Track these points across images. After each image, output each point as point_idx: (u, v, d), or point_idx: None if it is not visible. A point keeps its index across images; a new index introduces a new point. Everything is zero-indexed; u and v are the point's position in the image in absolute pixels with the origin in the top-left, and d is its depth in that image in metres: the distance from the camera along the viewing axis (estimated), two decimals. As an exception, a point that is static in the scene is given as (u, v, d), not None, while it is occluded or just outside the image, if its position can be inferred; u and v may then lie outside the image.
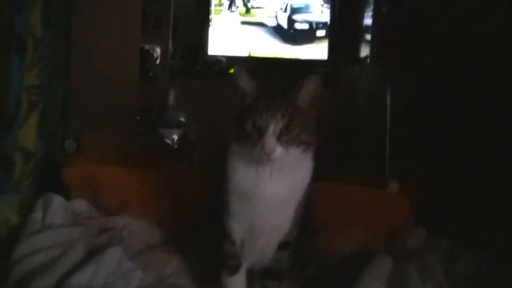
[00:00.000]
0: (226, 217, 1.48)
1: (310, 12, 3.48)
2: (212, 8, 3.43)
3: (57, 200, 1.92)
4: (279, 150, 1.33)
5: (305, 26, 3.47)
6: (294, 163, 1.39)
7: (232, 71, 3.22)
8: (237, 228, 1.48)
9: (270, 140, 1.32)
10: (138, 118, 2.67)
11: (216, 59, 3.27)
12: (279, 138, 1.33)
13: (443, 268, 1.71)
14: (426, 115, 2.48)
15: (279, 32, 3.49)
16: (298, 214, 1.46)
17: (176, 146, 2.49)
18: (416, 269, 1.65)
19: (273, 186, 1.40)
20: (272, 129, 1.33)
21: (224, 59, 3.27)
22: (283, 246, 1.51)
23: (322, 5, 3.45)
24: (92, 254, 1.63)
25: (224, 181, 1.45)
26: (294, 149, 1.35)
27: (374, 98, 2.78)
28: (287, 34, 3.47)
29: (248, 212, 1.44)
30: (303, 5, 3.49)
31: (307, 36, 3.46)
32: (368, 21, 3.25)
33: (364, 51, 3.27)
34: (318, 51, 3.42)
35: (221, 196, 1.47)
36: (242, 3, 3.52)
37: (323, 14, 3.42)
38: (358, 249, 1.90)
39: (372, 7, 3.16)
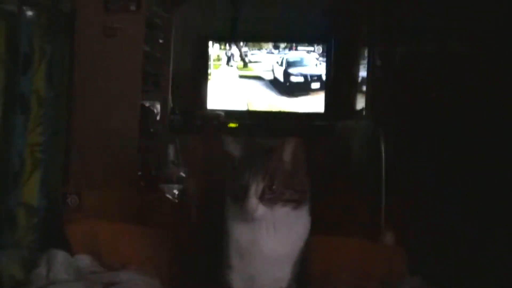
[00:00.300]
0: (227, 271, 1.51)
1: (305, 66, 3.56)
2: (211, 63, 3.51)
3: (61, 256, 1.94)
4: (261, 209, 1.38)
5: (301, 79, 3.55)
6: (286, 220, 1.44)
7: (231, 125, 3.29)
8: (238, 282, 1.51)
9: (252, 200, 1.38)
10: (139, 173, 2.71)
11: (215, 114, 3.33)
12: (261, 198, 1.38)
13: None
14: (421, 165, 2.52)
15: (276, 85, 3.56)
16: (296, 267, 1.49)
17: (177, 201, 2.52)
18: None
19: (271, 242, 1.44)
20: (254, 190, 1.38)
21: (222, 114, 3.33)
22: None
23: (317, 59, 3.53)
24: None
25: (224, 237, 1.50)
26: (280, 207, 1.40)
27: (369, 150, 2.82)
28: (284, 87, 3.54)
29: (248, 267, 1.47)
30: (298, 59, 3.58)
31: (302, 89, 3.53)
32: (363, 74, 3.32)
33: (360, 104, 3.33)
34: (314, 104, 3.48)
35: (221, 251, 1.51)
36: (239, 58, 3.60)
37: (317, 67, 3.50)
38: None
39: (367, 61, 3.23)
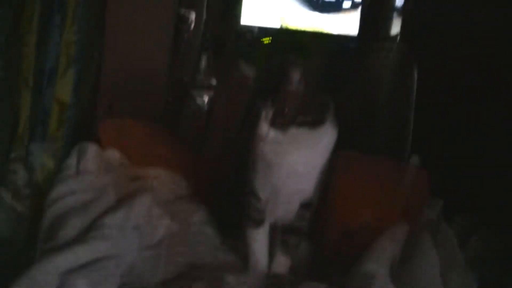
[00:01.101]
0: (253, 176, 1.55)
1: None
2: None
3: (92, 149, 1.99)
4: (272, 133, 1.42)
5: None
6: (305, 139, 1.46)
7: (264, 40, 3.27)
8: (263, 188, 1.55)
9: (262, 125, 1.43)
10: (172, 81, 2.72)
11: (248, 29, 3.30)
12: (272, 122, 1.41)
13: (458, 238, 1.77)
14: (451, 98, 2.50)
15: (309, 2, 3.52)
16: (320, 179, 1.52)
17: (206, 108, 2.54)
18: (430, 236, 1.70)
19: (292, 157, 1.47)
20: (264, 114, 1.41)
21: (256, 29, 3.30)
22: (305, 206, 1.57)
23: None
24: (123, 200, 1.71)
25: (253, 143, 1.52)
26: (296, 129, 1.43)
27: (401, 75, 2.80)
28: (316, 4, 3.50)
29: (272, 177, 1.51)
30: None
31: (334, 7, 3.50)
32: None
33: (395, 29, 3.29)
34: (348, 25, 3.45)
35: (249, 155, 1.55)
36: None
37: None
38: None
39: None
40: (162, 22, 2.70)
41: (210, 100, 2.57)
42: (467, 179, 2.16)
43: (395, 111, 2.71)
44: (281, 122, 1.42)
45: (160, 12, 2.69)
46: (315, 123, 1.46)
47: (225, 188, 1.80)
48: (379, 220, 1.91)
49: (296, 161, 1.47)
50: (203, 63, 2.79)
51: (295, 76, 1.44)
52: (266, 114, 1.41)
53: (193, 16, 2.91)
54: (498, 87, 2.30)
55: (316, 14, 3.47)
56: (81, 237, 1.43)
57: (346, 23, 3.45)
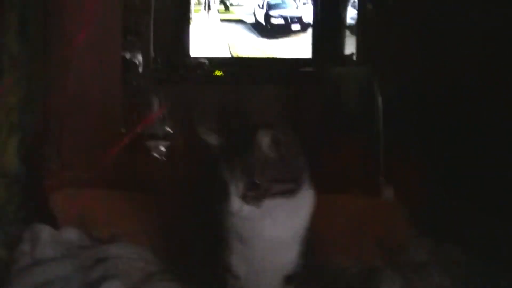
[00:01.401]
0: (228, 253, 1.40)
1: (286, 8, 3.46)
2: (192, 7, 3.37)
3: (46, 231, 1.84)
4: (246, 209, 1.26)
5: (281, 21, 3.44)
6: (282, 209, 1.31)
7: (217, 73, 3.15)
8: (240, 265, 1.40)
9: (233, 200, 1.26)
10: (123, 131, 2.58)
11: (198, 62, 3.19)
12: (244, 196, 1.26)
13: (452, 278, 1.68)
14: (419, 113, 2.43)
15: (257, 28, 3.45)
16: (303, 247, 1.39)
17: (164, 159, 2.42)
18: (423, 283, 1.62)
19: (269, 230, 1.32)
20: (234, 188, 1.26)
21: (206, 61, 3.19)
22: (289, 279, 1.42)
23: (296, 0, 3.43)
24: (89, 288, 1.55)
25: (224, 219, 1.37)
26: (271, 200, 1.28)
27: (362, 98, 2.72)
28: (265, 29, 3.43)
29: (249, 254, 1.37)
30: (279, 1, 3.48)
31: (283, 31, 3.43)
32: (353, 16, 3.20)
33: (349, 49, 3.21)
34: (301, 48, 3.38)
35: (221, 231, 1.39)
36: (220, 0, 3.47)
37: (298, 9, 3.40)
38: (361, 266, 1.84)
39: (357, 2, 3.11)
40: (109, 67, 2.55)
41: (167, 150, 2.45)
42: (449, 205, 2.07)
43: (360, 136, 2.63)
44: (253, 196, 1.26)
45: (106, 58, 2.54)
46: (291, 190, 1.30)
47: (199, 263, 1.64)
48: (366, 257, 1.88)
49: (274, 235, 1.32)
50: (155, 108, 2.65)
51: (265, 140, 1.29)
52: (236, 187, 1.26)
53: (140, 58, 2.78)
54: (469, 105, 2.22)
55: (266, 40, 3.40)
56: None
57: (297, 47, 3.38)
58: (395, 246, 1.95)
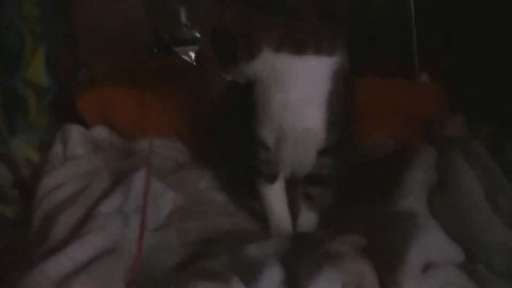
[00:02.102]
0: (255, 123, 1.37)
1: None
2: None
3: (76, 130, 1.83)
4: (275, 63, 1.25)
5: None
6: (305, 65, 1.26)
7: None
8: (269, 134, 1.36)
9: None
10: (151, 39, 2.56)
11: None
12: (278, 46, 1.24)
13: (490, 151, 1.58)
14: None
15: None
16: (330, 117, 1.32)
17: (194, 63, 2.38)
18: (462, 155, 1.53)
19: (291, 88, 1.28)
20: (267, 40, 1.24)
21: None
22: (323, 152, 1.38)
23: None
24: (119, 181, 1.53)
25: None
26: (296, 57, 1.25)
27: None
28: None
29: (273, 116, 1.32)
30: None
31: None
32: None
33: None
34: None
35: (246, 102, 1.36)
36: None
37: None
38: (395, 141, 1.83)
39: None
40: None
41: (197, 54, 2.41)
42: (486, 87, 1.98)
43: (396, 24, 2.54)
44: (292, 44, 1.23)
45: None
46: (320, 50, 1.25)
47: (230, 146, 1.61)
48: (401, 133, 1.87)
49: (294, 96, 1.28)
50: (182, 15, 2.62)
51: None
52: (271, 36, 1.22)
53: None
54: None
55: None
56: (76, 234, 1.24)
57: None
58: (431, 124, 1.90)
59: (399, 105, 1.94)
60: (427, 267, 1.08)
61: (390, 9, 2.63)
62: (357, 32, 2.51)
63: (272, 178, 1.42)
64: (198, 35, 2.50)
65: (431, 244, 1.12)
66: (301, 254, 1.14)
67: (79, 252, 1.16)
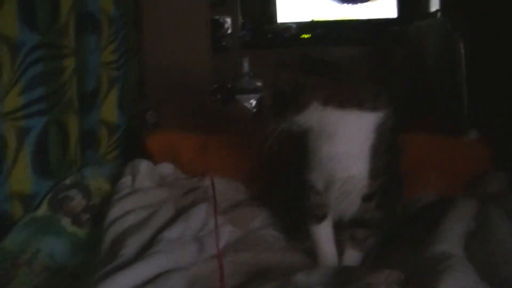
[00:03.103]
0: (306, 169, 1.52)
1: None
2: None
3: (145, 164, 1.99)
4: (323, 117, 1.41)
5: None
6: (353, 121, 1.42)
7: (303, 36, 3.23)
8: (318, 179, 1.50)
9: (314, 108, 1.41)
10: (215, 86, 2.72)
11: (285, 26, 3.28)
12: (327, 99, 1.40)
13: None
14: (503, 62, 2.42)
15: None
16: (373, 167, 1.46)
17: (254, 110, 2.52)
18: (500, 209, 1.63)
19: (334, 144, 1.43)
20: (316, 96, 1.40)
21: (293, 25, 3.27)
22: (366, 198, 1.51)
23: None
24: (181, 212, 1.69)
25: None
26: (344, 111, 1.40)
27: (446, 50, 2.73)
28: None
29: (322, 163, 1.46)
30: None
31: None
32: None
33: (434, 5, 3.22)
34: (386, 9, 3.39)
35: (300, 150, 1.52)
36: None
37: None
38: (439, 196, 1.89)
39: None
40: (199, 28, 2.68)
41: (257, 101, 2.55)
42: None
43: (447, 86, 2.65)
44: (337, 100, 1.39)
45: (195, 19, 2.67)
46: (366, 106, 1.41)
47: (284, 188, 1.76)
48: (445, 190, 1.92)
49: (341, 149, 1.43)
50: (245, 66, 2.78)
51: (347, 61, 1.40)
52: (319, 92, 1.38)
53: (228, 21, 2.90)
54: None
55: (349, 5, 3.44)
56: (142, 254, 1.40)
57: (383, 8, 3.40)
58: (475, 180, 1.98)
59: (445, 163, 2.02)
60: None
61: (443, 67, 2.74)
62: (411, 89, 2.66)
63: (320, 219, 1.55)
64: (259, 84, 2.64)
65: (462, 283, 1.23)
66: (343, 283, 1.26)
67: (145, 268, 1.31)
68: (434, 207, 1.78)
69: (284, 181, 1.75)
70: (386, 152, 1.46)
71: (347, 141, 1.42)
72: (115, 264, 1.37)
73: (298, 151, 1.52)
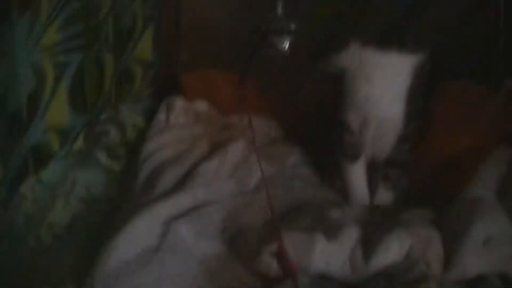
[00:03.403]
0: (342, 107, 1.52)
1: None
2: None
3: (179, 102, 2.01)
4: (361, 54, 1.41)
5: None
6: (391, 63, 1.42)
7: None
8: (353, 118, 1.51)
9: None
10: (249, 29, 2.70)
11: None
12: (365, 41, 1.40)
13: None
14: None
15: None
16: (409, 109, 1.46)
17: (287, 53, 2.51)
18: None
19: (377, 80, 1.43)
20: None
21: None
22: (402, 138, 1.52)
23: None
24: (216, 148, 1.71)
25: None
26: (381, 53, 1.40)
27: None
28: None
29: (359, 104, 1.48)
30: None
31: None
32: None
33: None
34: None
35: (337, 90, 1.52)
36: None
37: None
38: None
39: None
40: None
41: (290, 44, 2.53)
42: None
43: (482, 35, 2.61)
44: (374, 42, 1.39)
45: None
46: (402, 48, 1.41)
47: (318, 126, 1.76)
48: (479, 146, 1.85)
49: (378, 90, 1.44)
50: (279, 7, 2.75)
51: None
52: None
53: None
54: None
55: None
56: (179, 186, 1.42)
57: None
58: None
59: (483, 112, 2.02)
60: (487, 241, 1.20)
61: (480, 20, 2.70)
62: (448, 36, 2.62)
63: (354, 158, 1.56)
64: (292, 25, 2.62)
65: (493, 224, 1.24)
66: (377, 219, 1.28)
67: (183, 200, 1.33)
68: (470, 152, 1.78)
69: (321, 121, 1.75)
70: (425, 95, 1.47)
71: (384, 82, 1.42)
72: (153, 194, 1.40)
73: (335, 90, 1.52)
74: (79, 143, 1.75)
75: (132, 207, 1.34)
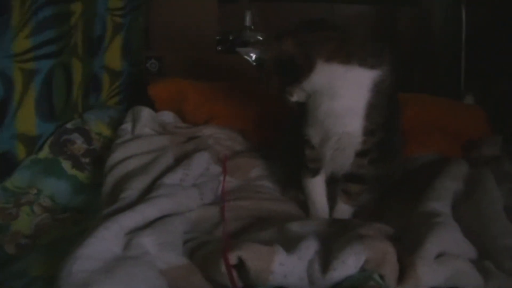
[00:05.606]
0: (304, 125, 1.57)
1: None
2: None
3: (146, 112, 2.01)
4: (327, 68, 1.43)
5: None
6: (350, 79, 1.45)
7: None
8: (314, 134, 1.56)
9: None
10: (217, 38, 2.74)
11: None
12: (333, 54, 1.43)
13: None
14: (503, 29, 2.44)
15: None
16: (368, 124, 1.50)
17: (255, 64, 2.54)
18: (491, 172, 1.68)
19: (335, 97, 1.46)
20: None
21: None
22: (360, 153, 1.55)
23: None
24: (181, 159, 1.73)
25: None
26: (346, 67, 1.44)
27: (449, 16, 2.75)
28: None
29: (320, 119, 1.51)
30: None
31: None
32: None
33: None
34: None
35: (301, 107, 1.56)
36: None
37: None
38: (436, 156, 1.94)
39: None
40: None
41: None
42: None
43: (447, 50, 2.68)
44: (340, 55, 1.42)
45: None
46: (366, 63, 1.44)
47: (281, 144, 1.82)
48: (443, 150, 1.97)
49: (337, 105, 1.47)
50: (247, 18, 2.79)
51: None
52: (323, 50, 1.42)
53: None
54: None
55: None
56: (144, 197, 1.44)
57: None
58: (471, 143, 2.03)
59: (446, 123, 2.07)
60: (441, 255, 1.24)
61: (445, 31, 2.76)
62: (414, 50, 2.68)
63: (314, 173, 1.61)
64: (260, 38, 2.66)
65: (447, 238, 1.28)
66: (335, 233, 1.31)
67: (147, 211, 1.35)
68: (432, 166, 1.83)
69: (284, 135, 1.80)
70: (384, 111, 1.50)
71: (344, 97, 1.45)
72: (117, 206, 1.41)
73: (300, 108, 1.56)
74: (45, 152, 1.76)
75: (97, 217, 1.35)
